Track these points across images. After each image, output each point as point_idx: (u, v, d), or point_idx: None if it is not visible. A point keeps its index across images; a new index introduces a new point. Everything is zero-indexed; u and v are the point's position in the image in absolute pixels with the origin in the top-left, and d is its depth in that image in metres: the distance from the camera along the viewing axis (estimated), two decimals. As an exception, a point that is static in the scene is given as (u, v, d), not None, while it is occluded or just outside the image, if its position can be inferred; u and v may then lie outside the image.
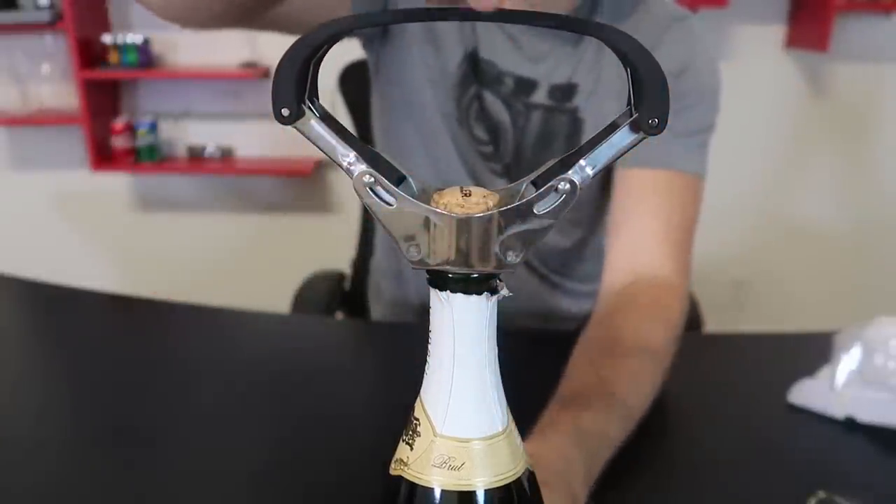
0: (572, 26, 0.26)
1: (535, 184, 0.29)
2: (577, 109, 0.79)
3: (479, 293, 0.27)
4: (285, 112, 0.26)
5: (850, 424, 0.63)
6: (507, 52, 0.78)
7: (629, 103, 0.27)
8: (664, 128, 0.26)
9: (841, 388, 0.64)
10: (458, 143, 0.82)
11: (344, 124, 0.28)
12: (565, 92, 0.78)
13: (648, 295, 0.69)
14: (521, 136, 0.81)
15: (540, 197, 0.27)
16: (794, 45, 2.30)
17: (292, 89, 0.25)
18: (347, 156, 0.27)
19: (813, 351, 0.71)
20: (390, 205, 0.26)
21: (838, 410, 0.64)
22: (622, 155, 0.27)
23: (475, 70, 0.79)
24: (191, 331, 0.85)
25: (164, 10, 0.60)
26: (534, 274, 0.89)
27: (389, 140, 0.87)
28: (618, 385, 0.58)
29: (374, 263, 1.02)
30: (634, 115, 0.26)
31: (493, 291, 0.27)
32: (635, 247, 0.73)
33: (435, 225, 0.26)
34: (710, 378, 0.73)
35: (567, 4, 0.75)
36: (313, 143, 0.27)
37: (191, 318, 0.88)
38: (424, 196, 0.27)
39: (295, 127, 0.26)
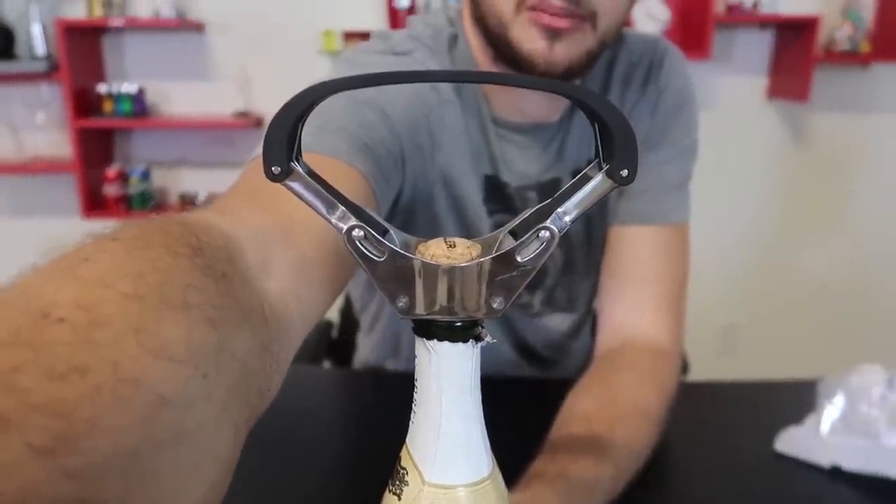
0: (542, 86, 0.27)
1: (513, 233, 0.30)
2: None
3: (465, 340, 0.28)
4: (276, 170, 0.27)
5: (836, 473, 0.63)
6: (520, 165, 0.73)
7: (597, 155, 0.29)
8: (633, 179, 0.27)
9: (826, 437, 0.64)
10: None
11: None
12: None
13: (644, 359, 0.69)
14: (564, 240, 0.75)
15: (522, 245, 0.28)
16: (776, 95, 2.36)
17: (283, 148, 0.26)
18: (335, 211, 0.28)
19: (800, 398, 0.71)
20: (379, 258, 0.27)
21: (824, 459, 0.64)
22: (595, 204, 0.29)
23: (500, 198, 0.74)
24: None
25: None
26: (521, 354, 0.86)
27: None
28: (611, 443, 0.57)
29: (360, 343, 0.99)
30: (605, 167, 0.28)
31: (478, 338, 0.28)
32: (631, 311, 0.73)
33: (423, 275, 0.27)
34: (697, 426, 0.74)
35: (552, 112, 0.73)
36: (301, 199, 0.28)
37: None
38: (408, 248, 0.28)
39: (284, 184, 0.27)
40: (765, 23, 2.31)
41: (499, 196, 0.73)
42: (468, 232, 0.72)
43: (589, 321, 0.90)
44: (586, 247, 0.80)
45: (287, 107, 0.26)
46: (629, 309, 0.73)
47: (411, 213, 0.69)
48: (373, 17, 2.33)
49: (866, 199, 2.47)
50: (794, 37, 2.25)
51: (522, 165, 0.73)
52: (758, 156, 2.44)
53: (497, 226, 0.72)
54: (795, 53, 2.24)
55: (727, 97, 2.35)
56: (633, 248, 0.75)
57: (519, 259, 0.28)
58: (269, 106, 2.38)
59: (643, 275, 0.74)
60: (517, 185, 0.74)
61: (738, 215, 2.45)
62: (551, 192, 0.73)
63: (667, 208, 0.75)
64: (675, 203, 0.76)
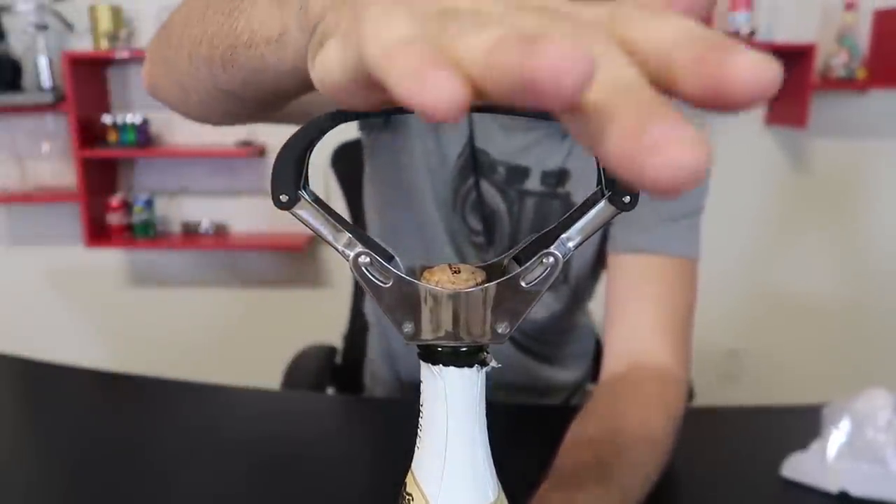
0: (546, 116, 0.28)
1: (517, 259, 0.30)
2: (570, 195, 0.80)
3: (471, 365, 0.28)
4: (283, 198, 0.27)
5: (844, 498, 0.63)
6: (499, 141, 0.80)
7: (599, 182, 0.29)
8: (636, 205, 0.28)
9: (833, 462, 0.63)
10: (452, 232, 0.83)
11: (336, 199, 0.30)
12: (558, 178, 0.80)
13: (651, 385, 0.69)
14: (516, 224, 0.82)
15: (527, 271, 0.28)
16: (774, 122, 2.38)
17: (290, 177, 0.27)
18: (342, 238, 0.28)
19: (805, 423, 0.71)
20: (385, 283, 0.28)
21: (832, 484, 0.63)
22: (599, 229, 0.29)
23: (473, 159, 0.81)
24: (180, 408, 0.84)
25: (183, 110, 0.56)
26: (517, 347, 0.89)
27: (383, 222, 0.88)
28: (617, 471, 0.56)
29: (369, 343, 1.02)
30: (608, 193, 0.28)
31: (483, 363, 0.29)
32: (635, 336, 0.73)
33: (429, 301, 0.28)
34: (702, 452, 0.73)
35: None
36: (308, 227, 0.28)
37: (179, 394, 0.88)
38: (412, 274, 0.29)
39: (292, 212, 0.28)
40: (762, 51, 2.33)
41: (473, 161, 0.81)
42: None
43: (577, 314, 0.93)
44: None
45: (295, 136, 0.26)
46: (632, 333, 0.74)
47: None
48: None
49: (865, 223, 2.47)
50: (790, 64, 2.28)
51: (501, 142, 0.80)
52: (757, 181, 2.45)
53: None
54: (792, 80, 2.27)
55: (725, 123, 2.37)
56: (633, 274, 0.76)
57: (523, 284, 0.28)
58: (270, 135, 2.40)
59: (643, 298, 0.75)
60: (493, 156, 0.80)
61: (737, 240, 2.45)
62: (518, 176, 0.81)
63: (661, 237, 0.75)
64: (672, 234, 0.76)
